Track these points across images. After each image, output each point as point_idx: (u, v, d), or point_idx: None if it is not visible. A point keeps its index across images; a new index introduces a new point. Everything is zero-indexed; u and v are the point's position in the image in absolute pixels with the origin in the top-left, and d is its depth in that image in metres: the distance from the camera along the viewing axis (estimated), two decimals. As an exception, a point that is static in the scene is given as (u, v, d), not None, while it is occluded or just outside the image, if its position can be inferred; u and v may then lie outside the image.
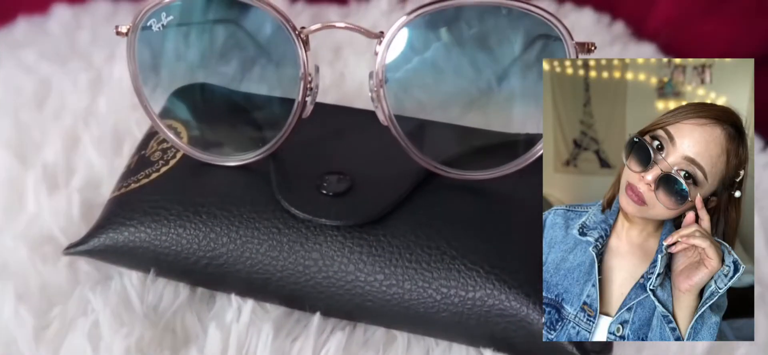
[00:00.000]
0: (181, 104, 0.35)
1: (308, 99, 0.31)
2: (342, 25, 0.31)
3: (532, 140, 0.32)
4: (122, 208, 0.32)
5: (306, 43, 0.31)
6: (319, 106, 0.32)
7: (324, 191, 0.31)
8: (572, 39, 0.30)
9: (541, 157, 0.31)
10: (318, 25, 0.31)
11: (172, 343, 0.30)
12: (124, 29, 0.31)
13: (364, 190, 0.31)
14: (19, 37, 0.53)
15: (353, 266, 0.30)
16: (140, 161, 0.34)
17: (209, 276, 0.31)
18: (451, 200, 0.31)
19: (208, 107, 0.35)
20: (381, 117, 0.31)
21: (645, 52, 0.54)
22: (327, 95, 0.41)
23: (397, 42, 0.30)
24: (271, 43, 0.32)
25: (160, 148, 0.34)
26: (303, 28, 0.31)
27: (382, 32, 0.30)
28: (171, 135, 0.33)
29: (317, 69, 0.32)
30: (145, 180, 0.33)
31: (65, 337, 0.30)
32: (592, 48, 0.31)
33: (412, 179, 0.32)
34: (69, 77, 0.46)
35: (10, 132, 0.41)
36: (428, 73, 0.31)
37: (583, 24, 0.57)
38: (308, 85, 0.31)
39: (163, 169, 0.33)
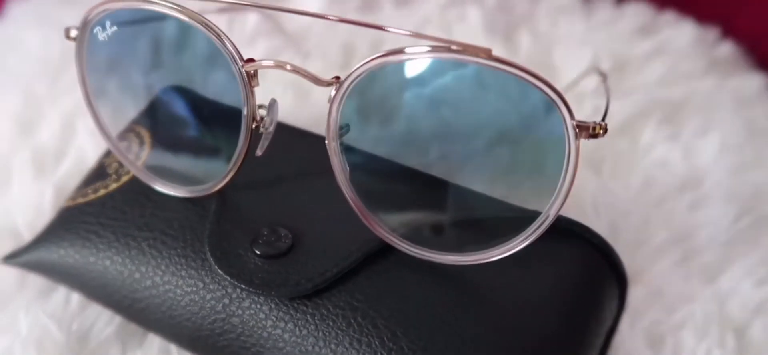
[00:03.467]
0: (157, 109, 0.32)
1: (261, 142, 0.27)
2: (289, 67, 0.26)
3: (522, 219, 0.26)
4: (62, 223, 0.30)
5: (251, 79, 0.26)
6: (289, 133, 0.28)
7: (256, 251, 0.27)
8: (572, 117, 0.24)
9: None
10: (270, 62, 0.26)
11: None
12: (73, 34, 0.29)
13: (304, 253, 0.27)
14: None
15: (272, 341, 0.26)
16: (98, 170, 0.32)
17: (133, 315, 0.29)
18: (406, 280, 0.26)
19: (175, 119, 0.32)
20: (335, 173, 0.26)
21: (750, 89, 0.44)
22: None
23: (357, 91, 0.25)
24: (214, 73, 0.28)
25: (117, 160, 0.32)
26: (250, 60, 0.26)
27: (337, 77, 0.25)
28: (123, 149, 0.31)
29: (271, 105, 0.27)
30: (92, 195, 0.31)
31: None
32: (600, 132, 0.24)
33: (363, 249, 0.27)
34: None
35: (20, 103, 0.41)
36: (391, 132, 0.26)
37: (679, 44, 0.47)
38: (251, 128, 0.27)
39: (112, 186, 0.31)
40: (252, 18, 0.46)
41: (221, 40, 0.26)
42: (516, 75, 0.23)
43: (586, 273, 0.28)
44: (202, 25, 0.26)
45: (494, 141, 0.25)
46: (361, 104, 0.25)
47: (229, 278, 0.26)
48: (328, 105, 0.25)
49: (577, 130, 0.24)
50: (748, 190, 0.37)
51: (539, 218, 0.25)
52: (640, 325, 0.31)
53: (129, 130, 0.32)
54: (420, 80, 0.25)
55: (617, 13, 0.51)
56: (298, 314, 0.26)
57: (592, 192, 0.36)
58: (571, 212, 0.35)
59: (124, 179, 0.31)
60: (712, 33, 0.49)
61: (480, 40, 0.47)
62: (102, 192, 0.31)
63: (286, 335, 0.26)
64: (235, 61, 0.26)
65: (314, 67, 0.44)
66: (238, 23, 0.46)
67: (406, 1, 0.52)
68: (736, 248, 0.35)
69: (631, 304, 0.32)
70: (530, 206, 0.26)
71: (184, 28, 0.27)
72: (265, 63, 0.26)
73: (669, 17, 0.51)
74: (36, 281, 0.32)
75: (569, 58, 0.45)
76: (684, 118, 0.42)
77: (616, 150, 0.39)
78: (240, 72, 0.26)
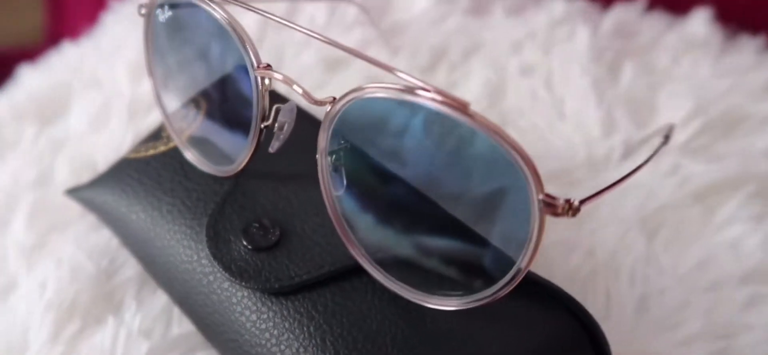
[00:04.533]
0: (221, 86, 0.35)
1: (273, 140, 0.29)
2: (295, 87, 0.27)
3: (492, 275, 0.25)
4: (113, 172, 0.34)
5: (263, 83, 0.28)
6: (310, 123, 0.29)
7: (244, 240, 0.29)
8: (541, 191, 0.22)
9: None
10: (279, 76, 0.27)
11: (97, 311, 0.32)
12: (143, 11, 0.32)
13: (286, 253, 0.28)
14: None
15: (236, 327, 0.28)
16: (156, 132, 0.36)
17: (146, 266, 0.32)
18: (369, 305, 0.27)
19: (225, 100, 0.34)
20: (322, 188, 0.27)
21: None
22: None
23: (348, 115, 0.26)
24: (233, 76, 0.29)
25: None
26: (266, 67, 0.28)
27: (334, 98, 0.26)
28: (177, 116, 0.34)
29: (288, 109, 0.28)
30: (143, 153, 0.34)
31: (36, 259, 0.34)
32: (567, 213, 0.22)
33: (337, 264, 0.28)
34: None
35: (136, 53, 0.46)
36: (374, 165, 0.26)
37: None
38: (260, 128, 0.28)
39: (161, 148, 0.34)
40: (352, 9, 0.47)
41: (244, 45, 0.28)
42: (487, 135, 0.22)
43: (558, 347, 0.26)
44: (229, 26, 0.28)
45: (467, 196, 0.25)
46: (352, 129, 0.26)
47: (211, 257, 0.29)
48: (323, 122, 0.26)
49: (542, 206, 0.22)
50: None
51: (500, 282, 0.24)
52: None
53: (193, 99, 0.35)
54: (405, 121, 0.25)
55: (759, 60, 0.45)
56: (263, 309, 0.28)
57: (634, 257, 0.33)
58: (602, 275, 0.33)
59: (171, 144, 0.34)
60: None
61: (579, 64, 0.44)
62: (151, 152, 0.34)
63: (248, 324, 0.28)
64: (253, 66, 0.28)
65: (401, 64, 0.45)
66: (340, 11, 0.48)
67: (519, 9, 0.50)
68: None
69: (627, 392, 0.29)
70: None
71: (219, 26, 0.29)
72: (275, 75, 0.28)
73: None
74: (93, 217, 0.37)
75: (672, 101, 0.41)
76: (783, 198, 0.36)
77: (682, 217, 0.35)
78: (255, 76, 0.28)
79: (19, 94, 0.46)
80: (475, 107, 0.22)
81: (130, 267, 0.34)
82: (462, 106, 0.22)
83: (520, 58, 0.45)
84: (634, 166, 0.28)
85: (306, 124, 0.32)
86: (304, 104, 0.28)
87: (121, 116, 0.42)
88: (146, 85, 0.44)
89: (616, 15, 0.49)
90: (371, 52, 0.30)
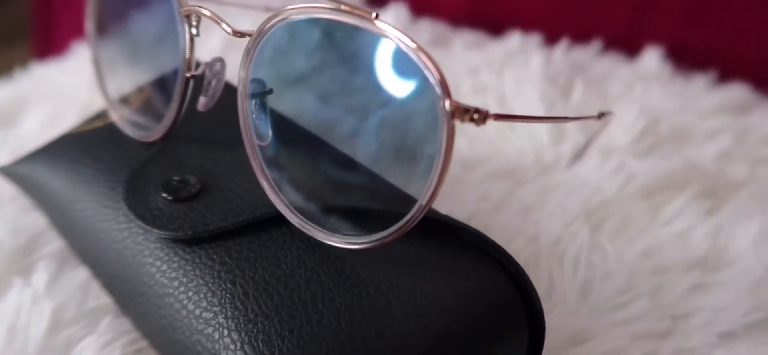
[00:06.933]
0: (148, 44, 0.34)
1: (201, 96, 0.28)
2: (228, 29, 0.26)
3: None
4: (48, 147, 0.33)
5: (189, 21, 0.27)
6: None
7: (162, 192, 0.28)
8: (448, 97, 0.21)
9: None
10: (207, 13, 0.27)
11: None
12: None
13: (204, 205, 0.27)
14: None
15: (146, 279, 0.26)
16: (101, 112, 0.35)
17: (65, 233, 0.31)
18: (286, 253, 0.25)
19: (153, 59, 0.34)
20: (242, 131, 0.26)
21: None
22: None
23: (267, 48, 0.25)
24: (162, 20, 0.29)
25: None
26: (194, 6, 0.28)
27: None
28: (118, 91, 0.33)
29: (214, 62, 0.28)
30: (81, 129, 0.34)
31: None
32: (478, 120, 0.22)
33: (255, 212, 0.26)
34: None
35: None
36: (288, 96, 0.26)
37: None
38: (187, 78, 0.28)
39: (97, 124, 0.34)
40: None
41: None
42: (397, 45, 0.22)
43: (483, 298, 0.25)
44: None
45: (379, 116, 0.24)
46: (271, 65, 0.26)
47: (126, 207, 0.27)
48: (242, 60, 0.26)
49: (451, 111, 0.21)
50: (778, 288, 0.30)
51: (410, 213, 0.23)
52: (567, 389, 0.26)
53: (129, 68, 0.35)
54: (318, 41, 0.24)
55: (709, 90, 0.46)
56: (175, 258, 0.26)
57: (578, 246, 0.32)
58: (545, 261, 0.32)
59: (108, 121, 0.34)
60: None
61: (531, 84, 0.44)
62: (88, 127, 0.34)
63: (158, 275, 0.26)
64: (179, 8, 0.28)
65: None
66: None
67: (478, 43, 0.51)
68: (730, 340, 0.28)
69: (565, 363, 0.27)
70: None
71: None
72: (204, 12, 0.27)
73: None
74: (25, 201, 0.35)
75: (622, 114, 0.41)
76: (731, 196, 0.35)
77: (629, 211, 0.34)
78: (181, 19, 0.28)
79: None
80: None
81: (49, 243, 0.32)
82: (368, 16, 0.22)
83: (474, 79, 0.45)
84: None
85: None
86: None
87: (72, 119, 0.41)
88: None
89: (572, 51, 0.49)
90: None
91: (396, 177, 0.25)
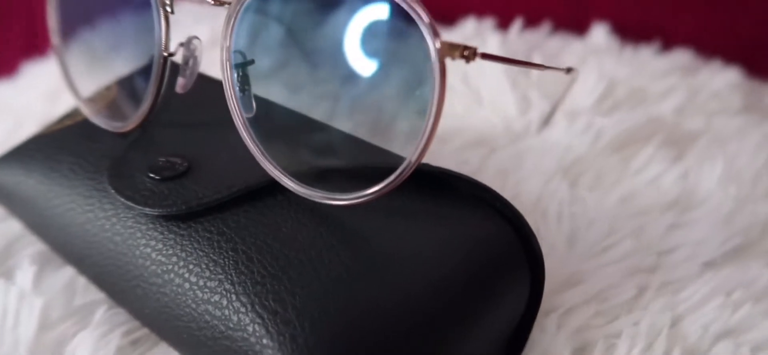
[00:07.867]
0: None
1: (179, 77, 0.28)
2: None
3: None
4: (18, 147, 0.32)
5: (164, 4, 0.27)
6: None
7: (150, 173, 0.27)
8: (436, 37, 0.22)
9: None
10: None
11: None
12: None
13: (194, 181, 0.27)
14: None
15: (141, 260, 0.26)
16: (71, 112, 0.34)
17: (42, 233, 0.30)
18: (285, 218, 0.25)
19: (137, 73, 0.33)
20: (229, 103, 0.26)
21: None
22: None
23: (249, 12, 0.25)
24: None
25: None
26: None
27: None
28: (92, 91, 0.33)
29: (189, 41, 0.28)
30: (52, 129, 0.33)
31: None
32: (468, 56, 0.22)
33: (249, 182, 0.26)
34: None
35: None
36: (280, 53, 0.26)
37: (715, 86, 0.43)
38: (164, 57, 0.28)
39: (67, 122, 0.33)
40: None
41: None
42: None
43: (484, 242, 0.25)
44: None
45: (370, 67, 0.24)
46: (253, 29, 0.26)
47: (113, 191, 0.27)
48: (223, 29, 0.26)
49: (440, 48, 0.22)
50: (746, 219, 0.32)
51: (408, 158, 0.23)
52: (568, 326, 0.27)
53: (101, 61, 0.34)
54: (297, 8, 0.25)
55: (657, 57, 0.48)
56: (170, 235, 0.26)
57: (559, 200, 0.33)
58: (529, 216, 0.32)
59: (79, 118, 0.33)
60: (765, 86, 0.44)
61: (491, 63, 0.45)
62: (58, 127, 0.33)
63: (154, 255, 0.25)
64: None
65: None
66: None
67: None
68: (713, 269, 0.30)
69: (563, 304, 0.28)
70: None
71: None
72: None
73: (716, 65, 0.47)
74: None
75: (582, 80, 0.43)
76: (692, 144, 0.37)
77: (602, 164, 0.36)
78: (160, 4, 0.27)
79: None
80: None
81: (26, 247, 0.31)
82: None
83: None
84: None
85: (217, 85, 0.31)
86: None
87: (32, 130, 0.40)
88: (61, 105, 0.42)
89: (525, 33, 0.51)
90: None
91: (392, 126, 0.25)
